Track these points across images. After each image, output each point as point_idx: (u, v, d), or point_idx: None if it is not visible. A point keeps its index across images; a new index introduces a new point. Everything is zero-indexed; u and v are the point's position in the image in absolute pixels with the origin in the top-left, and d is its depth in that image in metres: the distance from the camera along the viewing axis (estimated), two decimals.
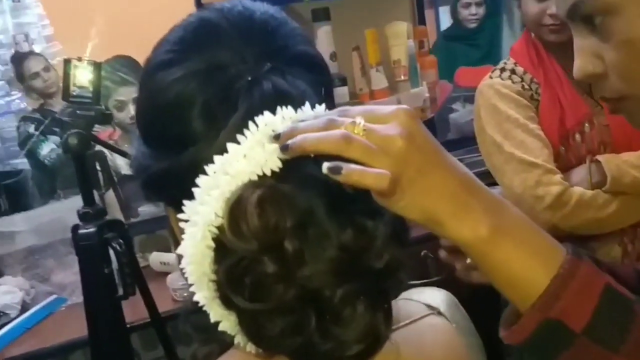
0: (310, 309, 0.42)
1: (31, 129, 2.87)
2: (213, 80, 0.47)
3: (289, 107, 0.45)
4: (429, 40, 1.85)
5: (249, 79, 0.46)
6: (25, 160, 3.90)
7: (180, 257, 0.46)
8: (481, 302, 0.85)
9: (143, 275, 1.26)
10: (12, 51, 4.06)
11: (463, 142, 1.95)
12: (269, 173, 0.43)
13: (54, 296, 1.50)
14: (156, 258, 1.62)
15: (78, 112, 1.15)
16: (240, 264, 0.42)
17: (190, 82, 0.47)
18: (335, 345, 0.43)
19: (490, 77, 1.33)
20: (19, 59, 3.69)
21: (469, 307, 0.61)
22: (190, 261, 0.45)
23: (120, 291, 1.20)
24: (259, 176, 0.43)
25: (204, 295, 0.45)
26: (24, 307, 1.46)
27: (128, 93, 1.90)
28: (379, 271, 0.43)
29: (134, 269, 1.20)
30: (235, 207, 0.42)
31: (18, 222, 1.68)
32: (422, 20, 1.91)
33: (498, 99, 1.30)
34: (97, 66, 1.16)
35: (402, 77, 1.70)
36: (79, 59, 1.17)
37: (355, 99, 1.65)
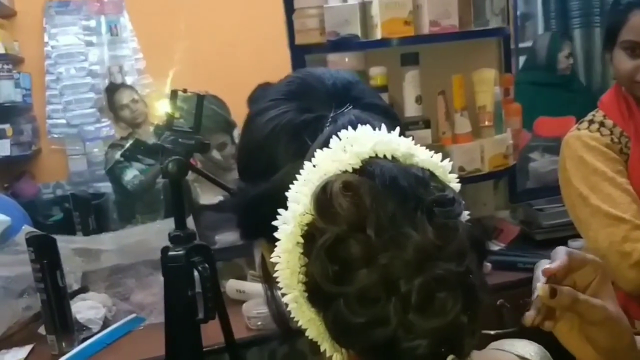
0: (393, 298, 0.44)
1: (118, 155, 3.03)
2: (302, 118, 0.56)
3: (368, 126, 0.51)
4: (514, 89, 1.85)
5: (333, 114, 0.55)
6: (108, 184, 4.09)
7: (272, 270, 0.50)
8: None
9: (223, 300, 1.29)
10: (106, 82, 4.31)
11: (543, 191, 1.92)
12: (350, 170, 0.48)
13: (134, 315, 1.55)
14: (233, 285, 1.66)
15: (179, 140, 1.21)
16: (326, 248, 0.45)
17: (282, 119, 0.56)
18: (417, 341, 0.44)
19: (578, 129, 1.32)
20: (111, 89, 3.93)
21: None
22: (282, 260, 0.48)
23: (201, 314, 1.23)
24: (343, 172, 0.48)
25: (294, 296, 0.48)
26: (105, 323, 1.51)
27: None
28: (460, 273, 0.45)
29: (216, 294, 1.24)
30: (321, 192, 0.46)
31: (105, 241, 1.76)
32: (508, 68, 1.91)
33: (585, 151, 1.28)
34: (200, 98, 1.23)
35: (487, 123, 1.70)
36: (184, 91, 1.24)
37: (437, 142, 1.66)
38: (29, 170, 4.11)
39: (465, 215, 0.50)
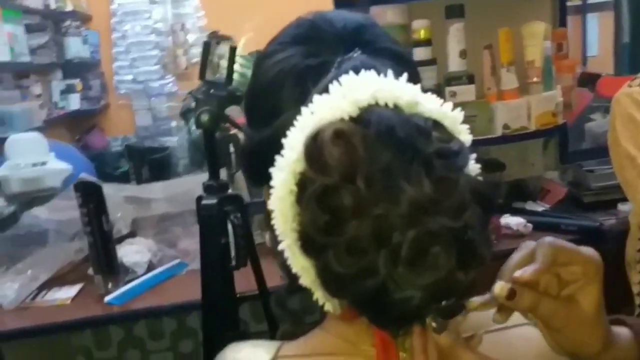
0: (383, 250, 0.43)
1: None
2: (307, 63, 0.54)
3: (372, 71, 0.49)
4: (568, 44, 1.77)
5: (339, 60, 0.53)
6: (173, 138, 4.22)
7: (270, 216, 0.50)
8: None
9: (256, 249, 1.32)
10: (170, 39, 4.39)
11: (596, 152, 1.84)
12: (346, 117, 0.46)
13: (178, 260, 1.62)
14: None
15: (211, 91, 1.23)
16: (315, 197, 0.44)
17: (287, 63, 0.55)
18: (409, 293, 0.44)
19: (629, 86, 1.25)
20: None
21: None
22: (276, 208, 0.48)
23: (234, 262, 1.28)
24: (340, 121, 0.46)
25: (288, 244, 0.48)
26: (150, 267, 1.59)
27: None
28: (457, 228, 0.44)
29: (247, 243, 1.27)
30: (312, 140, 0.46)
31: (155, 190, 1.84)
32: (562, 23, 1.82)
33: (636, 109, 1.22)
34: (232, 50, 1.24)
35: (535, 79, 1.63)
36: (217, 42, 1.25)
37: (481, 98, 1.62)
38: (98, 124, 4.31)
39: (475, 168, 0.49)
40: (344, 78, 0.48)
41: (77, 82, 3.95)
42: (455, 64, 1.59)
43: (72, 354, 1.92)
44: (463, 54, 1.58)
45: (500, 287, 0.45)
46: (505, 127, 1.58)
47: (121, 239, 1.66)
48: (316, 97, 0.48)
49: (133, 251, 1.59)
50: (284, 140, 0.48)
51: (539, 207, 1.69)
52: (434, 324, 0.45)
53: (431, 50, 1.59)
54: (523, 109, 1.60)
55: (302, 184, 0.46)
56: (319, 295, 0.50)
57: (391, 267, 0.43)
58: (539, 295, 0.47)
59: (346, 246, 0.44)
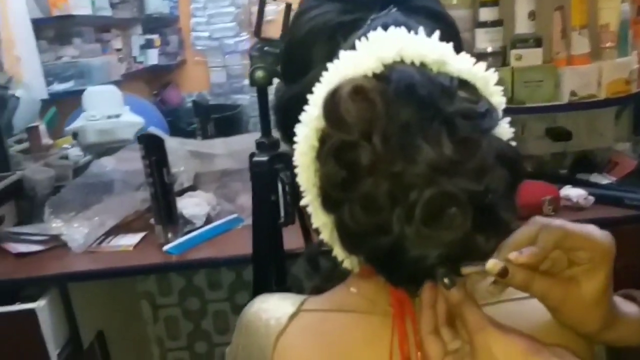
0: (398, 208, 0.43)
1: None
2: (340, 19, 0.54)
3: (402, 28, 0.48)
4: None
5: (373, 17, 0.52)
6: (245, 96, 4.28)
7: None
8: None
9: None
10: None
11: None
12: (370, 74, 0.46)
13: (235, 215, 1.67)
14: None
15: (265, 48, 1.24)
16: (334, 153, 0.45)
17: (320, 19, 0.55)
18: (423, 252, 0.44)
19: None
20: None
21: None
22: (299, 163, 0.49)
23: (282, 218, 1.30)
24: (362, 77, 0.46)
25: (309, 199, 0.50)
26: (208, 220, 1.64)
27: None
28: (476, 192, 0.43)
29: (296, 200, 1.29)
30: (330, 96, 0.46)
31: (217, 145, 1.89)
32: None
33: None
34: (288, 6, 1.24)
35: (609, 44, 1.54)
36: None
37: (549, 62, 1.55)
38: (175, 80, 4.43)
39: (507, 132, 0.48)
40: (371, 34, 0.48)
41: (156, 38, 4.07)
42: (522, 26, 1.52)
43: (136, 298, 2.04)
44: (532, 15, 1.51)
45: (492, 264, 0.45)
46: (573, 94, 1.51)
47: (183, 192, 1.72)
48: (342, 53, 0.48)
49: (193, 204, 1.64)
50: (309, 97, 0.48)
51: (604, 180, 1.61)
52: (445, 280, 0.45)
53: (498, 10, 1.53)
54: (593, 76, 1.51)
55: (322, 139, 0.47)
56: (337, 251, 0.51)
57: (405, 225, 0.43)
58: (532, 274, 0.46)
59: (361, 203, 0.44)
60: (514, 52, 1.51)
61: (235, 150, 1.88)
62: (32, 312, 1.35)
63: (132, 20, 3.81)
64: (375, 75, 0.46)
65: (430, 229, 0.43)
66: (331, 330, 0.58)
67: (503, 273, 0.45)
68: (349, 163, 0.44)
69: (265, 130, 1.32)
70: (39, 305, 1.37)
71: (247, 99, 3.99)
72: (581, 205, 1.45)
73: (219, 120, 2.64)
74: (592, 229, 0.46)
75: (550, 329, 0.50)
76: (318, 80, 0.49)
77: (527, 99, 1.51)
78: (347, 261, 0.52)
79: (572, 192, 1.47)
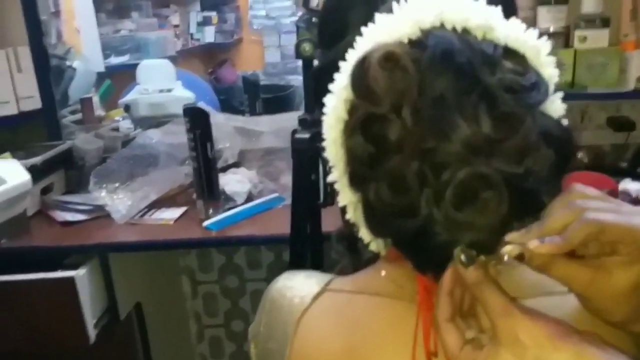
0: (427, 189, 0.40)
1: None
2: None
3: None
4: None
5: None
6: (299, 77, 4.25)
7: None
8: None
9: None
10: None
11: None
12: (405, 40, 0.42)
13: (276, 194, 1.64)
14: None
15: (313, 20, 1.20)
16: (361, 126, 0.41)
17: None
18: (452, 237, 0.40)
19: None
20: None
21: None
22: (327, 137, 0.46)
23: (322, 199, 1.27)
24: (396, 43, 0.42)
25: (337, 175, 0.47)
26: (249, 198, 1.62)
27: None
28: (517, 175, 0.39)
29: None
30: (359, 64, 0.42)
31: (262, 123, 1.87)
32: None
33: None
34: None
35: None
36: None
37: (616, 44, 1.45)
38: (230, 58, 4.43)
39: (558, 109, 0.43)
40: None
41: (213, 15, 4.07)
42: (589, 5, 1.43)
43: (177, 272, 2.05)
44: None
45: (509, 248, 0.40)
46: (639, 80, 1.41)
47: (226, 168, 1.71)
48: (378, 17, 0.44)
49: (235, 180, 1.63)
50: (341, 64, 0.45)
51: None
52: (462, 257, 0.41)
53: None
54: None
55: (351, 111, 0.43)
56: (364, 232, 0.48)
57: (434, 208, 0.40)
58: (553, 257, 0.40)
59: (388, 181, 0.41)
60: (578, 33, 1.42)
61: (281, 128, 1.85)
62: (71, 280, 1.37)
63: None
64: (410, 42, 0.42)
65: (462, 212, 0.39)
66: (355, 312, 0.55)
67: (520, 257, 0.40)
68: (377, 137, 0.41)
69: (309, 107, 1.28)
70: (79, 273, 1.39)
71: (299, 80, 3.96)
72: None
73: (270, 100, 2.63)
74: (637, 222, 0.40)
75: (585, 319, 0.45)
76: (352, 47, 0.45)
77: (590, 84, 1.42)
78: (374, 243, 0.49)
79: (632, 186, 1.38)
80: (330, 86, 0.46)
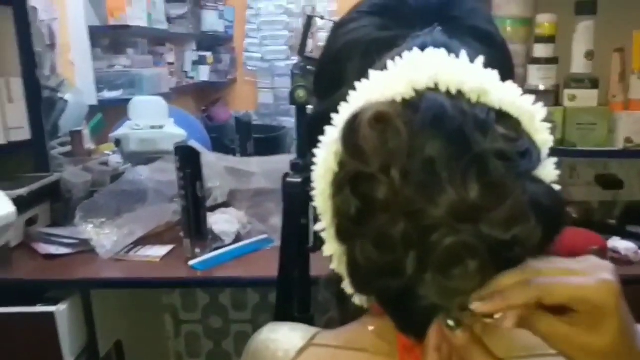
0: (412, 251, 0.39)
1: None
2: (377, 36, 0.50)
3: (442, 50, 0.43)
4: None
5: (413, 35, 0.48)
6: (291, 119, 4.30)
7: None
8: None
9: None
10: (300, 21, 4.46)
11: None
12: (399, 99, 0.42)
13: (265, 236, 1.63)
14: None
15: (308, 67, 1.22)
16: (349, 182, 0.41)
17: (357, 34, 0.52)
18: (435, 302, 0.40)
19: None
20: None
21: None
22: (317, 186, 0.46)
23: (311, 242, 1.26)
24: (388, 102, 0.42)
25: (324, 225, 0.46)
26: (238, 238, 1.61)
27: None
28: (503, 243, 0.38)
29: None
30: (350, 121, 0.42)
31: (253, 163, 1.87)
32: None
33: None
34: (309, 18, 1.22)
35: None
36: (322, 18, 1.24)
37: (605, 105, 1.48)
38: (224, 97, 4.47)
39: (551, 175, 0.43)
40: (406, 54, 0.43)
41: (209, 55, 4.13)
42: (579, 66, 1.46)
43: (160, 310, 2.01)
44: (589, 55, 1.45)
45: (476, 305, 0.39)
46: (628, 140, 1.43)
47: (215, 207, 1.70)
48: (372, 73, 0.44)
49: (223, 220, 1.62)
50: (334, 116, 0.45)
51: None
52: (449, 322, 0.40)
53: (554, 48, 1.48)
54: None
55: (341, 164, 0.43)
56: (347, 285, 0.47)
57: (419, 270, 0.39)
58: (529, 312, 0.39)
59: (373, 239, 0.40)
60: (567, 92, 1.45)
61: (272, 170, 1.85)
62: (51, 315, 1.34)
63: (187, 35, 3.87)
64: (404, 102, 0.42)
65: (446, 277, 0.39)
66: None
67: (488, 315, 0.39)
68: (364, 195, 0.40)
69: (302, 151, 1.29)
70: (59, 309, 1.36)
71: (292, 122, 4.01)
72: (630, 259, 1.36)
73: (261, 140, 2.64)
74: (581, 284, 0.39)
75: None
76: (345, 100, 0.45)
77: (579, 142, 1.44)
78: (357, 297, 0.49)
79: (621, 245, 1.39)
80: (322, 137, 0.46)
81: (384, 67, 0.44)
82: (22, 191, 1.64)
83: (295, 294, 1.31)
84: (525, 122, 0.42)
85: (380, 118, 0.40)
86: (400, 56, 0.44)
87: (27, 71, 1.87)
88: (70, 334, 1.38)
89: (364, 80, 0.45)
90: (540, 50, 1.47)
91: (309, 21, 1.22)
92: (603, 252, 1.36)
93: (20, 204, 1.54)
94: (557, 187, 0.42)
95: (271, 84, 4.33)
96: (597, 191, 1.60)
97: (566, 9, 1.47)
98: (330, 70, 0.54)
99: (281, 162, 1.93)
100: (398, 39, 0.48)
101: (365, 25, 0.52)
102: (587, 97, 1.44)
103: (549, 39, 1.46)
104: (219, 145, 2.90)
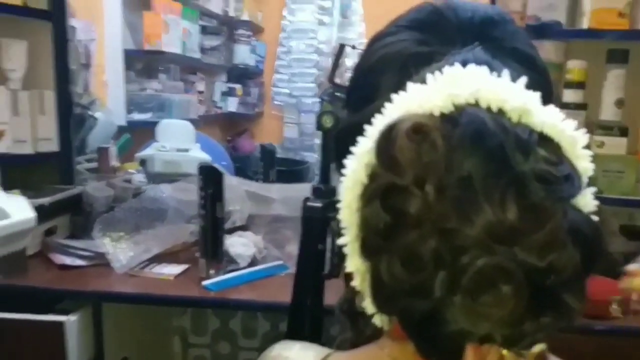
0: (442, 272, 0.38)
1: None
2: (415, 50, 0.50)
3: (484, 67, 0.42)
4: None
5: (453, 52, 0.47)
6: (314, 154, 4.33)
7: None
8: None
9: None
10: (329, 60, 4.52)
11: None
12: (437, 113, 0.41)
13: (280, 262, 1.62)
14: None
15: (337, 94, 1.23)
16: (380, 195, 0.40)
17: (394, 47, 0.51)
18: (463, 328, 0.38)
19: None
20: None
21: None
22: (343, 199, 0.45)
23: (327, 269, 1.24)
24: (427, 115, 0.41)
25: (349, 239, 0.45)
26: (253, 262, 1.60)
27: None
28: (538, 269, 0.37)
29: (343, 254, 1.24)
30: (386, 131, 0.41)
31: (273, 190, 1.87)
32: None
33: None
34: (341, 47, 1.24)
35: None
36: (353, 47, 1.25)
37: (633, 154, 1.46)
38: (250, 129, 4.52)
39: (590, 205, 0.41)
40: (446, 69, 0.43)
41: (238, 87, 4.19)
42: (608, 113, 1.45)
43: (169, 332, 1.99)
44: (620, 103, 1.44)
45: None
46: None
47: (233, 230, 1.70)
48: (410, 86, 0.44)
49: (240, 243, 1.61)
50: (366, 127, 0.44)
51: None
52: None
53: (583, 94, 1.47)
54: None
55: (371, 176, 0.42)
56: (368, 304, 0.45)
57: (448, 293, 0.38)
58: None
59: (401, 256, 0.39)
60: (595, 138, 1.44)
61: (292, 197, 1.85)
62: (60, 325, 1.33)
63: (218, 67, 3.94)
64: (442, 116, 0.41)
65: (477, 302, 0.37)
66: None
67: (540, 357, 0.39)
68: (395, 209, 0.39)
69: (324, 177, 1.29)
70: (69, 319, 1.35)
71: (314, 158, 4.03)
72: None
73: (284, 172, 2.65)
74: None
75: None
76: (380, 112, 0.44)
77: (605, 190, 1.42)
78: (378, 317, 0.47)
79: None
80: (353, 149, 0.45)
81: (422, 81, 0.44)
82: (44, 200, 1.66)
83: (307, 321, 1.29)
84: (567, 147, 0.41)
85: (418, 129, 0.39)
86: (440, 71, 0.43)
87: (61, 86, 1.91)
88: (79, 346, 1.37)
89: (400, 93, 0.44)
90: (570, 96, 1.47)
91: (340, 49, 1.23)
92: (625, 303, 1.33)
93: (41, 213, 1.55)
94: (595, 218, 0.41)
95: (297, 120, 4.37)
96: (621, 242, 1.57)
97: (597, 56, 1.47)
98: (364, 83, 0.53)
99: (302, 190, 1.93)
100: (437, 55, 0.48)
101: (404, 39, 0.51)
102: (615, 145, 1.42)
103: (578, 85, 1.46)
104: (242, 175, 2.91)
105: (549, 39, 1.52)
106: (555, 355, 0.49)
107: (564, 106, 1.49)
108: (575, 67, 1.46)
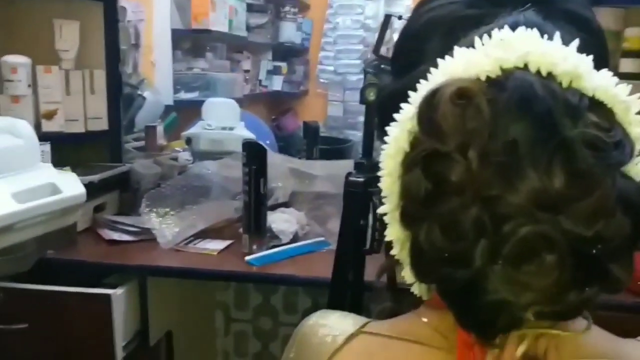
0: (483, 240, 0.37)
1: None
2: (464, 13, 0.48)
3: (535, 30, 0.41)
4: None
5: (503, 14, 0.46)
6: (358, 132, 4.30)
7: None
8: None
9: None
10: (376, 36, 4.41)
11: None
12: (483, 77, 0.39)
13: (322, 238, 1.62)
14: None
15: (382, 66, 1.20)
16: (422, 161, 0.39)
17: (443, 10, 0.50)
18: (504, 297, 0.37)
19: None
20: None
21: None
22: (384, 167, 0.44)
23: (368, 245, 1.23)
24: (473, 79, 0.40)
25: (389, 208, 0.44)
26: (295, 238, 1.60)
27: None
28: (584, 238, 0.36)
29: (385, 229, 1.22)
30: (429, 96, 0.40)
31: (319, 167, 1.86)
32: None
33: None
34: (387, 18, 1.20)
35: None
36: (400, 17, 1.22)
37: None
38: (294, 107, 4.51)
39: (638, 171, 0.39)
40: (495, 33, 0.41)
41: (283, 65, 4.18)
42: None
43: (212, 306, 2.03)
44: None
45: None
46: None
47: (276, 207, 1.70)
48: (457, 50, 0.42)
49: (283, 219, 1.61)
50: (411, 93, 0.43)
51: None
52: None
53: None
54: None
55: (413, 143, 0.41)
56: (407, 273, 0.45)
57: (489, 261, 0.37)
58: None
59: (442, 224, 0.38)
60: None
61: (335, 174, 1.83)
62: (107, 298, 1.36)
63: (264, 45, 3.94)
64: (489, 80, 0.39)
65: (519, 271, 0.36)
66: (390, 358, 0.51)
67: None
68: (437, 176, 0.38)
69: (367, 151, 1.27)
70: (116, 292, 1.38)
71: (358, 136, 3.99)
72: None
73: (327, 151, 2.64)
74: None
75: None
76: (425, 77, 0.43)
77: None
78: (417, 286, 0.46)
79: None
80: (396, 115, 0.44)
81: (469, 45, 0.42)
82: (94, 177, 1.70)
83: (347, 296, 1.28)
84: (619, 113, 0.40)
85: (462, 94, 0.38)
86: (489, 34, 0.42)
87: (111, 65, 1.94)
88: (125, 319, 1.40)
89: (447, 57, 0.42)
90: (627, 65, 1.40)
91: (386, 20, 1.21)
92: None
93: (91, 190, 1.59)
94: None
95: (341, 97, 4.33)
96: None
97: None
98: (409, 48, 0.52)
99: (345, 167, 1.90)
100: (486, 18, 0.46)
101: (453, 2, 0.50)
102: None
103: (635, 53, 1.39)
104: (286, 154, 2.92)
105: (606, 4, 1.44)
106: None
107: (621, 77, 1.42)
108: (633, 35, 1.38)
